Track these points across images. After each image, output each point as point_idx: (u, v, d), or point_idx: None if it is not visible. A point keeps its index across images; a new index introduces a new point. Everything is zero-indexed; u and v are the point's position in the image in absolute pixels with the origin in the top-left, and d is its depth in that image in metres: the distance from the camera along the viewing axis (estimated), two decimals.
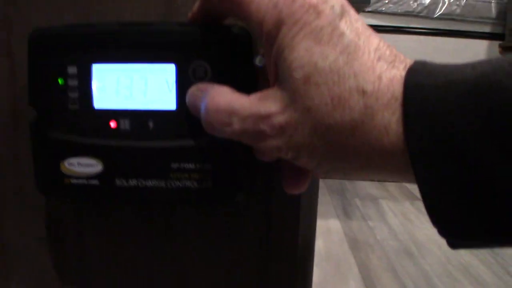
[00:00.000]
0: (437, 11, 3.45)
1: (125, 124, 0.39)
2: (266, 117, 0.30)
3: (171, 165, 0.39)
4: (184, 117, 0.38)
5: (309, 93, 0.29)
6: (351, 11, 0.30)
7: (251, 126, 0.31)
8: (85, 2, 0.43)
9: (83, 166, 0.39)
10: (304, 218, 0.44)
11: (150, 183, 0.39)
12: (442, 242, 0.27)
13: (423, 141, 0.26)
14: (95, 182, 0.39)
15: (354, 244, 1.62)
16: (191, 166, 0.38)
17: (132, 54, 0.38)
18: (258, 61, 0.38)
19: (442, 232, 0.28)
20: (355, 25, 0.30)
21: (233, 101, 0.32)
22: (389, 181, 2.59)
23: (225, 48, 0.38)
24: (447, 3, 3.43)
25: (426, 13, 3.46)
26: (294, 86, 0.29)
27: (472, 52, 3.38)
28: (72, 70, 0.39)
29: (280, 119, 0.30)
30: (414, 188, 2.61)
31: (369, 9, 3.36)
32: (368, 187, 2.47)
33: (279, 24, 0.30)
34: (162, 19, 0.42)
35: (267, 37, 0.31)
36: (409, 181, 0.31)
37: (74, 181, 0.40)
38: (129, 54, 0.38)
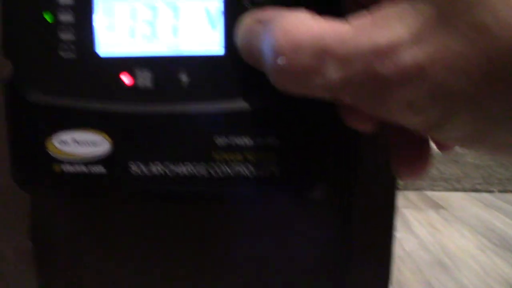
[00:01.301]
0: None
1: (145, 78, 0.26)
2: (389, 51, 0.17)
3: (216, 140, 0.25)
4: (235, 65, 0.25)
5: None
6: None
7: (360, 71, 0.18)
8: None
9: (81, 145, 0.26)
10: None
11: (183, 169, 0.25)
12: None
13: None
14: (99, 169, 0.26)
15: None
16: (246, 141, 0.25)
17: None
18: None
19: None
20: None
21: (324, 32, 0.19)
22: (410, 189, 2.45)
23: None
24: None
25: None
26: None
27: None
28: None
29: (416, 52, 0.16)
30: (436, 196, 2.46)
31: None
32: None
33: None
34: None
35: None
36: None
37: (67, 168, 0.26)
38: None
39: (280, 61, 0.19)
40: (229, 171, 0.25)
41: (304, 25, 0.19)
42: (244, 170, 0.25)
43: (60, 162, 0.26)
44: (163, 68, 0.25)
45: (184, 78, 0.25)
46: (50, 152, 0.26)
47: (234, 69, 0.25)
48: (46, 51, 0.26)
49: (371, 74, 0.17)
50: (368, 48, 0.17)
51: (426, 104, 0.17)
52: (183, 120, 0.25)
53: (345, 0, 0.25)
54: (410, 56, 0.16)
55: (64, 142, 0.26)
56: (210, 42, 0.25)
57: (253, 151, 0.25)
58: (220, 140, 0.25)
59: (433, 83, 0.17)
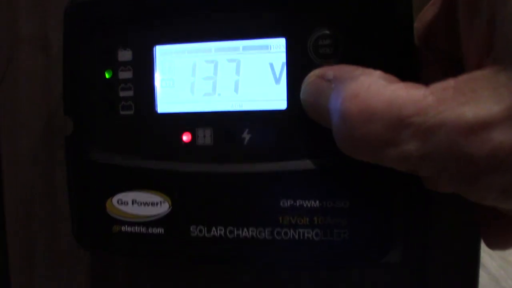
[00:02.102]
0: None
1: (206, 136, 0.24)
2: (478, 129, 0.14)
3: (281, 202, 0.23)
4: (299, 122, 0.23)
5: None
6: None
7: (442, 147, 0.15)
8: None
9: (140, 206, 0.25)
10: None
11: (245, 233, 0.24)
12: None
13: None
14: (158, 230, 0.25)
15: None
16: (313, 204, 0.23)
17: (215, 27, 0.24)
18: None
19: None
20: None
21: (398, 98, 0.16)
22: None
23: (368, 7, 0.22)
24: None
25: None
26: None
27: None
28: (124, 56, 0.25)
29: (509, 134, 0.14)
30: None
31: None
32: None
33: None
34: None
35: None
36: None
37: (126, 228, 0.25)
38: (210, 28, 0.24)
39: (349, 128, 0.17)
40: (295, 235, 0.23)
41: (377, 89, 0.17)
42: (311, 234, 0.23)
43: (119, 222, 0.26)
44: (224, 126, 0.24)
45: (246, 135, 0.24)
46: (109, 212, 0.26)
47: (298, 126, 0.23)
48: (105, 109, 0.26)
49: (456, 152, 0.15)
50: (453, 123, 0.14)
51: None
52: (245, 181, 0.24)
53: (421, 47, 0.23)
54: (506, 137, 0.14)
55: (123, 202, 0.25)
56: (272, 97, 0.24)
57: (321, 214, 0.23)
58: (286, 203, 0.23)
59: None
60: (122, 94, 0.25)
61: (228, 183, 0.24)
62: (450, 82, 0.15)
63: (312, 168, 0.23)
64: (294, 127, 0.23)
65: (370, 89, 0.17)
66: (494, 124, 0.14)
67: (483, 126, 0.14)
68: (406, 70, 0.22)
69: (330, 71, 0.21)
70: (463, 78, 0.15)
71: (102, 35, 0.25)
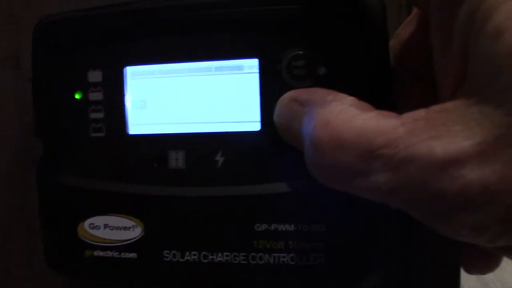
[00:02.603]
0: None
1: (178, 159, 0.24)
2: (447, 165, 0.14)
3: (255, 226, 0.23)
4: (273, 144, 0.22)
5: None
6: None
7: (412, 180, 0.14)
8: None
9: (112, 230, 0.24)
10: None
11: (220, 257, 0.23)
12: None
13: None
14: (131, 255, 0.24)
15: None
16: (288, 228, 0.23)
17: (187, 47, 0.24)
18: None
19: None
20: None
21: (369, 127, 0.16)
22: None
23: (342, 27, 0.22)
24: None
25: None
26: None
27: None
28: (94, 77, 0.25)
29: (483, 170, 0.13)
30: None
31: None
32: None
33: None
34: None
35: None
36: None
37: (99, 253, 0.25)
38: (182, 48, 0.24)
39: (319, 154, 0.17)
40: (270, 260, 0.23)
41: (347, 118, 0.17)
42: (287, 260, 0.23)
43: (91, 247, 0.25)
44: (197, 148, 0.23)
45: (219, 157, 0.23)
46: (81, 237, 0.25)
47: (273, 148, 0.23)
48: (76, 131, 0.25)
49: (425, 187, 0.14)
50: (423, 158, 0.14)
51: (494, 230, 0.14)
52: (219, 204, 0.23)
53: (396, 66, 0.23)
54: (475, 174, 0.13)
55: (95, 226, 0.25)
56: (246, 118, 0.23)
57: (296, 238, 0.22)
58: (260, 227, 0.23)
59: (505, 207, 0.13)
60: (92, 116, 0.25)
61: (202, 207, 0.23)
62: (421, 113, 0.15)
63: (287, 191, 0.22)
64: (269, 149, 0.23)
65: (340, 117, 0.17)
66: (464, 161, 0.13)
67: (453, 162, 0.13)
68: (381, 91, 0.21)
69: (303, 94, 0.20)
70: (434, 109, 0.15)
71: (72, 55, 0.25)
